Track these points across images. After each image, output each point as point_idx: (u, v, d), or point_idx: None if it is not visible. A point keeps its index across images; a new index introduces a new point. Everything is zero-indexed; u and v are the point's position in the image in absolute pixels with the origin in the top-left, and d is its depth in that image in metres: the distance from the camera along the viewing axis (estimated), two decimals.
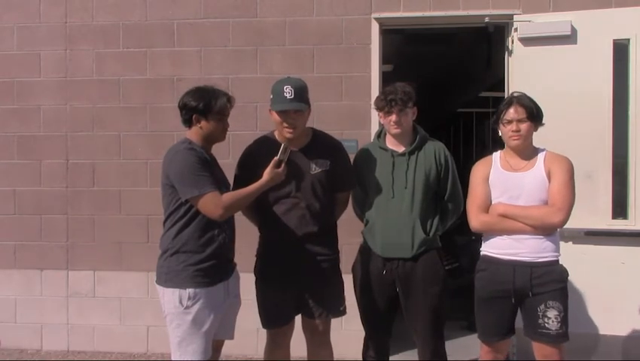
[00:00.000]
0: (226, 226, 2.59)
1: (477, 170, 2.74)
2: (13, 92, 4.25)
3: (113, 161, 4.18)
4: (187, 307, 2.46)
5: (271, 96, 2.70)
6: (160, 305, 2.58)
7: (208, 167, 2.51)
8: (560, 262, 2.63)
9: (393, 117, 2.73)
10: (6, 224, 4.26)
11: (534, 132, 2.64)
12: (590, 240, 3.48)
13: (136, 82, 4.15)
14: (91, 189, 4.19)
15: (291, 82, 2.66)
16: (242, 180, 2.71)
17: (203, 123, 2.55)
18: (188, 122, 2.59)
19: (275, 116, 2.67)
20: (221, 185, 2.55)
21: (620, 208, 3.57)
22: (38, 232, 4.23)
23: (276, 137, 2.78)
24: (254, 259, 2.86)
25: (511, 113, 2.60)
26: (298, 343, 2.90)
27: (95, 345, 4.21)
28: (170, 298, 2.49)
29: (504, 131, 2.65)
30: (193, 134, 2.59)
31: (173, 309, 2.48)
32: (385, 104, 2.74)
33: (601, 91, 3.55)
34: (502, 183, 2.64)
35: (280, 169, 2.52)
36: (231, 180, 2.77)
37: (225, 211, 2.46)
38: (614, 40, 3.56)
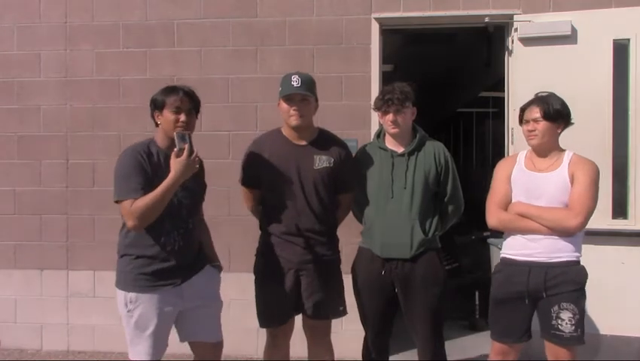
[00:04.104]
0: (175, 231, 2.48)
1: (501, 168, 2.75)
2: (13, 92, 4.25)
3: (113, 161, 4.12)
4: (129, 310, 2.46)
5: (280, 88, 2.73)
6: None
7: (152, 170, 2.41)
8: (581, 263, 2.59)
9: (390, 117, 2.74)
10: (6, 224, 4.26)
11: (559, 133, 2.62)
12: (590, 240, 3.46)
13: (136, 82, 4.15)
14: (91, 189, 4.19)
15: (299, 73, 2.72)
16: (249, 180, 2.74)
17: (160, 119, 2.51)
18: (155, 121, 2.56)
19: (283, 105, 2.70)
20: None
21: (620, 208, 3.57)
22: (38, 232, 4.23)
23: (282, 132, 2.79)
24: (254, 257, 2.85)
25: (528, 113, 2.63)
26: (298, 343, 2.90)
27: (95, 345, 4.21)
28: (119, 299, 2.51)
29: (523, 130, 2.67)
30: (157, 132, 2.55)
31: (121, 310, 2.50)
32: (382, 103, 2.75)
33: (601, 91, 3.55)
34: (524, 182, 2.63)
35: (183, 158, 2.35)
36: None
37: (139, 222, 2.35)
38: (614, 40, 3.56)
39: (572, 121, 2.64)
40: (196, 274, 2.58)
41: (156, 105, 2.51)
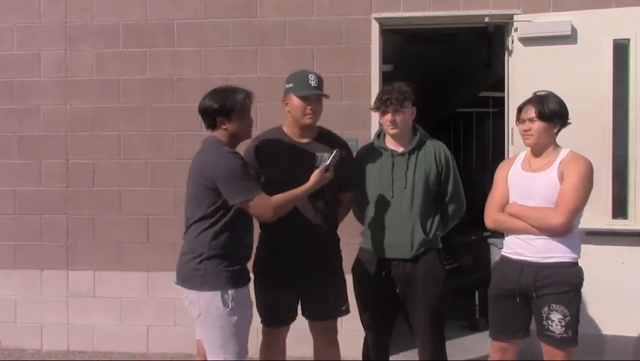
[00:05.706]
0: (252, 230, 2.65)
1: (500, 169, 2.78)
2: (13, 92, 4.25)
3: (113, 161, 4.18)
4: (232, 309, 2.43)
5: (291, 85, 2.73)
6: (186, 308, 2.57)
7: (249, 168, 2.57)
8: (579, 265, 2.58)
9: (388, 117, 2.73)
10: (6, 224, 4.26)
11: (555, 132, 2.61)
12: (590, 240, 3.48)
13: (136, 82, 4.15)
14: (91, 189, 4.19)
15: (313, 72, 2.77)
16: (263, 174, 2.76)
17: (228, 125, 2.54)
18: (212, 126, 2.57)
19: (296, 102, 2.69)
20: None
21: (620, 208, 3.57)
22: (38, 232, 4.23)
23: (284, 130, 2.80)
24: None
25: (523, 112, 2.63)
26: (295, 343, 2.89)
27: (95, 345, 4.20)
28: (210, 300, 2.44)
29: (519, 130, 2.68)
30: (220, 135, 2.57)
31: (215, 311, 2.44)
32: (380, 103, 2.75)
33: (601, 91, 3.55)
34: (517, 183, 2.65)
35: (328, 175, 2.57)
36: None
37: (275, 213, 2.49)
38: (614, 40, 3.56)
39: (570, 121, 2.63)
40: None
41: (221, 111, 2.52)
